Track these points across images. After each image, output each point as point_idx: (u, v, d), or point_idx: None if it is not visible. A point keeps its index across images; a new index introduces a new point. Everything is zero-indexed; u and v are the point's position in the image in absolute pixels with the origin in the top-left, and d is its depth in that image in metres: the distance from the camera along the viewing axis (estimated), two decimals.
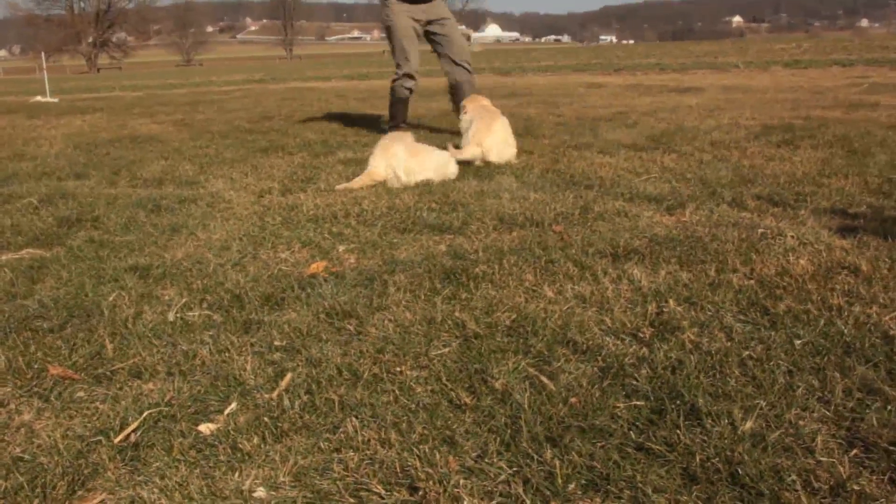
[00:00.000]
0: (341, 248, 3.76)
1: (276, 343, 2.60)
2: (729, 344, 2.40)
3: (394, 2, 7.41)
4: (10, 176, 6.49)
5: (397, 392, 2.20)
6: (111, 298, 3.12)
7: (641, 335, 2.51)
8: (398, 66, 7.49)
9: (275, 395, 2.22)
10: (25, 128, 11.42)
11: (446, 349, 2.48)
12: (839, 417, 1.96)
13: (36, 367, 2.51)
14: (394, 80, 7.59)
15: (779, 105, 9.69)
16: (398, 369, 2.35)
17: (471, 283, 3.10)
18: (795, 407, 2.00)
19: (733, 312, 2.67)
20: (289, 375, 2.33)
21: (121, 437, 2.05)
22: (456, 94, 7.65)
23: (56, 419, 2.19)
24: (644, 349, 2.40)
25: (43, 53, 28.96)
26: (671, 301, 2.78)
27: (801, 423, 1.93)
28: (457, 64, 7.54)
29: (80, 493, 1.85)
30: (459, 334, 2.61)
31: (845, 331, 2.44)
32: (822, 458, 1.79)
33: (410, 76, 7.55)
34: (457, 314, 2.78)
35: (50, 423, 2.17)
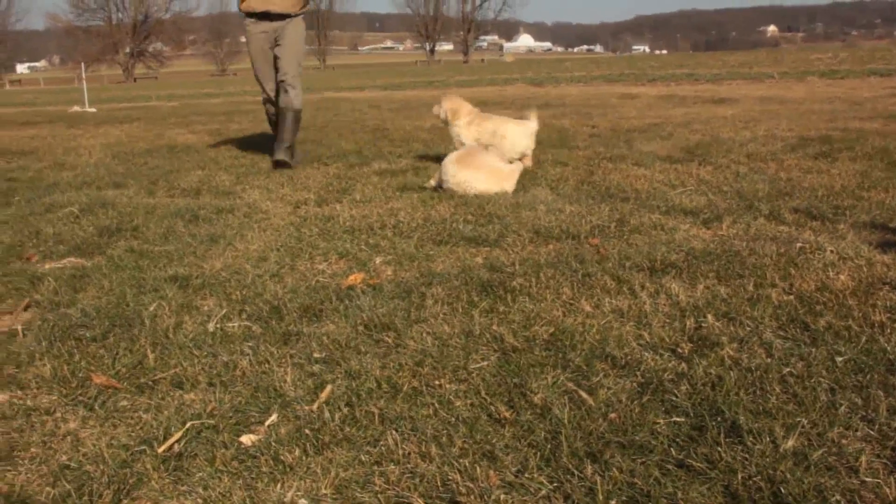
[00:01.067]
0: (378, 260, 3.78)
1: (316, 355, 2.63)
2: (769, 360, 2.38)
3: (248, 22, 7.20)
4: (52, 185, 6.61)
5: (437, 405, 2.21)
6: (152, 308, 3.17)
7: (680, 350, 2.51)
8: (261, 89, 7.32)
9: (315, 407, 2.24)
10: (65, 137, 11.61)
11: (485, 363, 2.49)
12: (883, 437, 1.94)
13: (80, 375, 2.55)
14: (262, 102, 7.54)
15: (815, 116, 9.61)
16: (437, 382, 2.36)
17: (508, 297, 3.11)
18: (838, 425, 1.98)
19: (773, 328, 2.65)
20: (329, 387, 2.35)
21: (164, 447, 2.08)
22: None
23: (101, 428, 2.23)
24: (683, 365, 2.39)
25: (82, 65, 29.27)
26: (710, 316, 2.77)
27: (844, 441, 1.92)
28: (280, 83, 7.20)
29: (125, 501, 1.88)
30: (498, 348, 2.61)
31: (888, 348, 2.42)
32: (866, 479, 1.77)
33: (269, 100, 7.37)
34: (495, 327, 2.78)
35: (95, 431, 2.21)
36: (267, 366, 2.55)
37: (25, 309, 3.34)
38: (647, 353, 2.49)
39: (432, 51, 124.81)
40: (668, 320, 2.79)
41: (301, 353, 2.65)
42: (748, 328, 2.65)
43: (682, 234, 4.02)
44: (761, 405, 2.10)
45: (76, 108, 20.75)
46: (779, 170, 5.73)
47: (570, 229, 4.17)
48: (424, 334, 2.75)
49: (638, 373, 2.35)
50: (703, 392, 2.19)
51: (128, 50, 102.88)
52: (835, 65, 24.76)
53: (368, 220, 4.61)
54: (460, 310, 3.00)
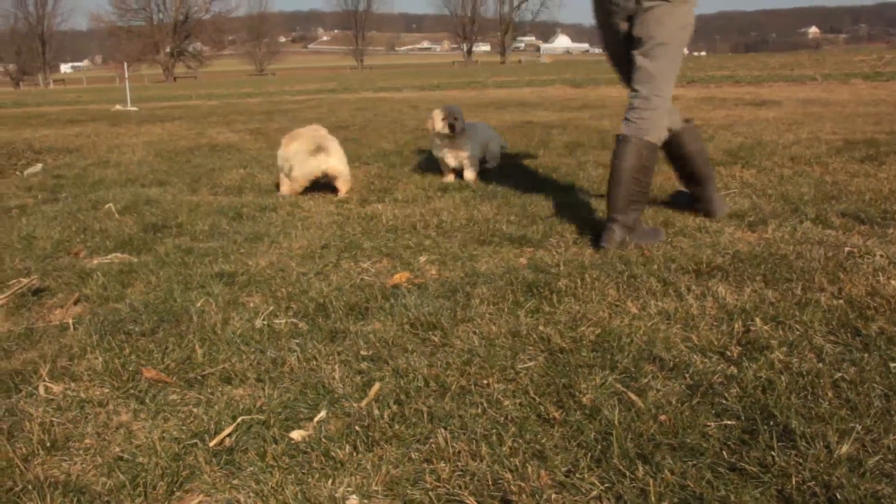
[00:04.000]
0: (422, 259, 3.79)
1: (363, 352, 2.64)
2: (820, 365, 2.36)
3: None
4: (97, 182, 6.71)
5: (485, 405, 2.21)
6: (199, 304, 3.21)
7: (729, 354, 2.49)
8: None
9: (364, 404, 2.26)
10: (109, 135, 11.78)
11: (532, 363, 2.49)
12: None
13: (131, 369, 2.59)
14: None
15: (860, 119, 9.48)
16: (485, 382, 2.36)
17: (554, 297, 3.11)
18: (894, 432, 1.96)
19: (823, 333, 2.62)
20: (377, 385, 2.36)
21: (216, 440, 2.11)
22: None
23: (152, 421, 2.26)
24: (732, 368, 2.37)
25: (125, 65, 29.68)
26: (758, 319, 2.74)
27: None
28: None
29: (178, 493, 1.90)
30: (545, 348, 2.61)
31: None
32: None
33: None
34: (541, 328, 2.78)
35: (147, 424, 2.24)
36: (315, 363, 2.57)
37: (75, 303, 3.40)
38: (695, 356, 2.48)
39: (469, 52, 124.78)
40: (715, 323, 2.77)
41: (348, 350, 2.67)
42: (797, 332, 2.63)
43: (727, 236, 3.99)
44: (814, 410, 2.08)
45: (118, 107, 21.02)
46: (824, 173, 5.65)
47: None
48: (471, 334, 2.76)
49: (687, 375, 2.34)
50: (753, 395, 2.17)
51: (168, 50, 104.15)
52: (879, 67, 24.39)
53: (411, 219, 4.63)
54: (506, 310, 3.01)
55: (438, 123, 5.71)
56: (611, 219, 3.91)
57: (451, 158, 5.86)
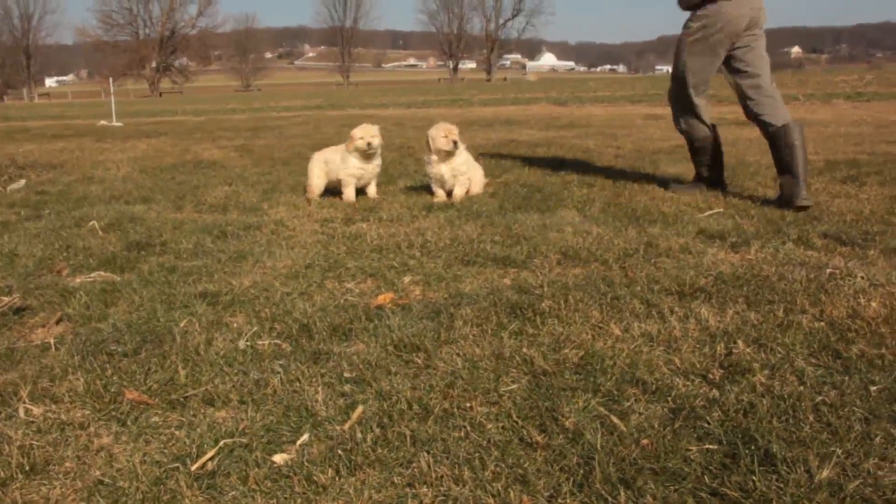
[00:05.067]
0: (407, 280, 3.80)
1: (346, 374, 2.64)
2: (801, 388, 2.37)
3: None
4: (81, 199, 6.69)
5: (468, 428, 2.21)
6: (182, 324, 3.20)
7: (711, 377, 2.50)
8: None
9: (347, 427, 2.25)
10: (93, 151, 11.75)
11: (515, 385, 2.49)
12: None
13: (112, 390, 2.58)
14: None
15: (842, 139, 9.57)
16: (468, 405, 2.37)
17: (537, 319, 3.11)
18: (874, 456, 1.97)
19: (804, 355, 2.64)
20: (360, 408, 2.36)
21: (198, 464, 2.10)
22: None
23: (134, 444, 2.25)
24: (714, 391, 2.38)
25: (111, 80, 29.65)
26: (740, 342, 2.76)
27: (880, 473, 1.90)
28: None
29: None
30: (528, 370, 2.62)
31: None
32: None
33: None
34: (524, 350, 2.79)
35: (128, 447, 2.23)
36: (298, 384, 2.57)
37: (57, 322, 3.38)
38: (677, 379, 2.49)
39: (455, 69, 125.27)
40: (698, 345, 2.78)
41: (331, 372, 2.67)
42: (779, 355, 2.65)
43: (710, 257, 4.01)
44: (795, 434, 2.09)
45: (103, 122, 21.00)
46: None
47: (597, 252, 4.17)
48: (454, 356, 2.76)
49: (669, 398, 2.35)
50: (735, 419, 2.18)
51: (154, 65, 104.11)
52: (861, 87, 24.62)
53: (396, 239, 4.63)
54: (489, 331, 3.01)
55: (440, 140, 5.76)
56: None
57: (448, 176, 5.89)
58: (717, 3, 5.48)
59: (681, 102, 6.00)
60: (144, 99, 68.97)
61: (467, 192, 6.02)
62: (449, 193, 5.98)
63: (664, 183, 6.32)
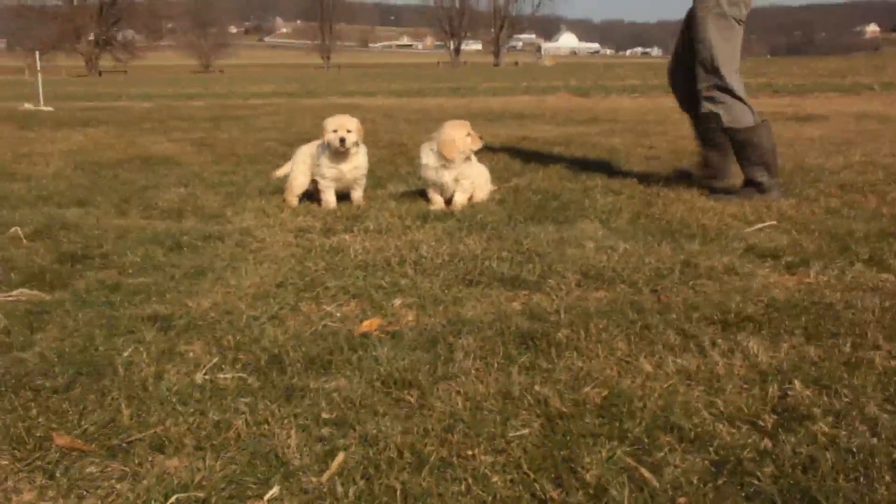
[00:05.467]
0: (397, 303, 3.82)
1: (325, 415, 2.66)
2: (874, 440, 2.39)
3: None
4: (1, 199, 6.69)
5: (470, 481, 2.23)
6: (126, 354, 3.21)
7: (762, 424, 2.52)
8: None
9: (325, 478, 2.27)
10: (15, 141, 11.80)
11: (526, 430, 2.51)
12: None
13: (38, 435, 2.58)
14: None
15: None
16: (470, 453, 2.38)
17: (552, 351, 3.13)
18: None
19: (877, 400, 2.66)
20: (341, 455, 2.37)
21: None
22: None
23: (63, 500, 2.26)
24: (766, 441, 2.40)
25: (37, 53, 29.68)
26: (797, 382, 2.78)
27: None
28: None
29: None
30: (541, 413, 2.64)
31: None
32: None
33: None
34: (537, 388, 2.81)
35: None
36: (266, 427, 2.58)
37: None
38: (720, 425, 2.51)
39: (457, 50, 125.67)
40: (745, 386, 2.80)
41: (307, 412, 2.68)
42: (846, 399, 2.66)
43: (760, 280, 4.04)
44: (866, 496, 2.11)
45: (28, 106, 21.05)
46: (880, 204, 5.73)
47: (624, 272, 4.19)
48: (454, 394, 2.78)
49: (711, 449, 2.37)
50: (792, 476, 2.20)
51: (92, 37, 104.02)
52: None
53: (385, 253, 4.66)
54: (496, 365, 3.03)
55: (462, 141, 5.87)
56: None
57: (449, 180, 5.95)
58: None
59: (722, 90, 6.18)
60: (80, 79, 69.14)
61: (470, 198, 6.06)
62: (448, 200, 6.02)
63: (713, 190, 6.36)
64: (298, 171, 6.26)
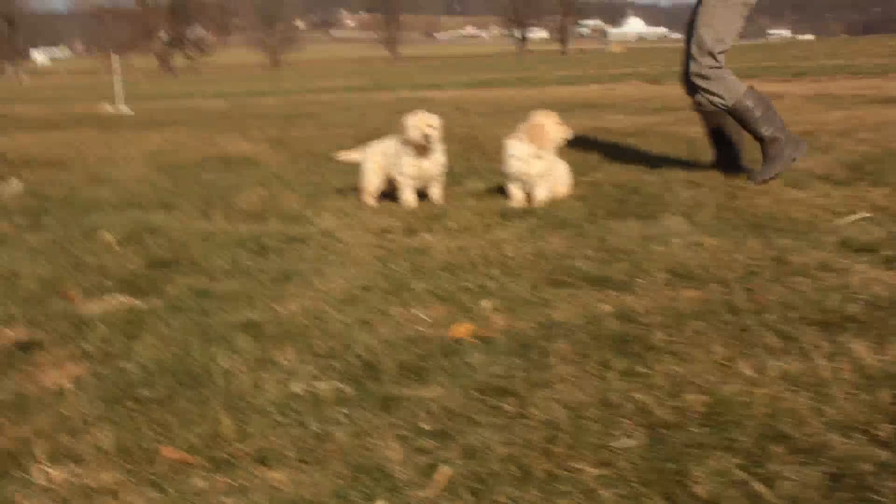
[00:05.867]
0: (487, 306, 3.79)
1: (424, 426, 2.64)
2: None
3: None
4: (90, 204, 6.81)
5: (580, 496, 2.20)
6: (223, 363, 3.22)
7: (877, 433, 2.44)
8: None
9: (431, 493, 2.25)
10: (98, 144, 11.99)
11: (631, 441, 2.47)
12: None
13: (146, 447, 2.60)
14: None
15: None
16: (576, 465, 2.35)
17: (648, 355, 3.09)
18: None
19: None
20: (447, 469, 2.35)
21: None
22: None
23: None
24: (884, 452, 2.32)
25: (115, 56, 30.18)
26: None
27: None
28: None
29: None
30: (644, 422, 2.59)
31: None
32: None
33: None
34: (636, 395, 2.76)
35: None
36: (367, 438, 2.58)
37: (74, 361, 3.41)
38: (833, 435, 2.44)
39: (523, 39, 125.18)
40: (854, 391, 2.72)
41: (406, 422, 2.67)
42: None
43: (858, 276, 3.93)
44: None
45: (109, 108, 21.41)
46: None
47: (714, 269, 4.12)
48: (551, 402, 2.75)
49: (825, 460, 2.30)
50: None
51: (164, 36, 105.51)
52: None
53: (468, 253, 4.64)
54: (592, 371, 2.99)
55: (553, 128, 5.94)
56: None
57: (537, 175, 5.97)
58: None
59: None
60: (154, 79, 70.18)
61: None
62: (529, 197, 5.98)
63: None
64: (371, 171, 6.26)
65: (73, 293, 4.32)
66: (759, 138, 6.38)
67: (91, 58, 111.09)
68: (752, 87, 6.44)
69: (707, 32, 6.32)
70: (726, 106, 6.36)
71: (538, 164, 5.90)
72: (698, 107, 6.64)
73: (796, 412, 2.59)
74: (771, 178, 6.24)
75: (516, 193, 6.01)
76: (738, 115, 6.40)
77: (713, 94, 6.36)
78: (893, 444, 2.37)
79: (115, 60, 27.93)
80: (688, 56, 6.55)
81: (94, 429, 2.73)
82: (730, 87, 6.33)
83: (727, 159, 6.83)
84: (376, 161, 6.26)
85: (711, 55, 6.33)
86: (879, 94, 14.27)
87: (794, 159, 6.32)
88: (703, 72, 6.37)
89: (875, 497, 2.12)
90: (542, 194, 5.94)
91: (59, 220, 6.23)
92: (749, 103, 6.30)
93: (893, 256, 4.19)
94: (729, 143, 6.82)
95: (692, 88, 6.54)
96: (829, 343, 3.11)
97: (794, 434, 2.45)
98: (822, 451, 2.35)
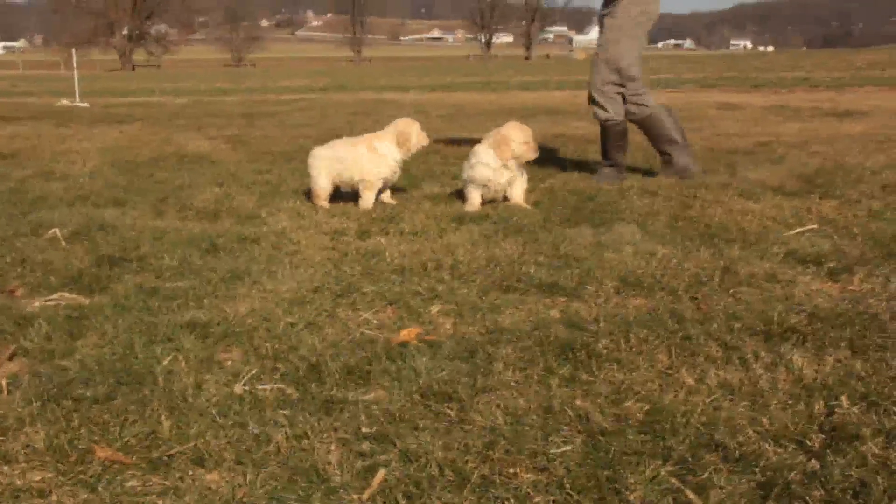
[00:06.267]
0: (435, 310, 3.81)
1: (365, 429, 2.65)
2: None
3: None
4: (39, 199, 6.74)
5: (513, 501, 2.21)
6: (166, 362, 3.21)
7: (809, 443, 2.48)
8: None
9: (366, 496, 2.26)
10: (53, 138, 11.86)
11: (568, 447, 2.49)
12: None
13: (80, 447, 2.58)
14: None
15: None
16: (512, 471, 2.36)
17: (592, 363, 3.11)
18: None
19: None
20: (381, 473, 2.36)
21: None
22: None
23: None
24: (814, 462, 2.36)
25: (73, 50, 29.89)
26: (844, 399, 2.74)
27: None
28: None
29: None
30: (582, 429, 2.61)
31: None
32: None
33: None
34: (578, 402, 2.79)
35: None
36: (306, 441, 2.58)
37: (10, 358, 3.37)
38: (766, 444, 2.47)
39: (488, 44, 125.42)
40: (790, 401, 2.76)
41: (347, 425, 2.68)
42: None
43: (802, 288, 3.99)
44: None
45: (65, 102, 21.23)
46: None
47: (663, 278, 4.16)
48: (494, 407, 2.77)
49: (757, 469, 2.33)
50: (842, 501, 2.16)
51: (126, 32, 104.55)
52: None
53: (420, 257, 4.64)
54: (535, 377, 3.01)
55: (519, 146, 5.89)
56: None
57: (506, 183, 6.01)
58: None
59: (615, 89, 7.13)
60: (114, 74, 69.58)
61: (506, 198, 6.07)
62: (487, 201, 6.02)
63: (748, 186, 6.30)
64: (320, 175, 6.25)
65: (16, 289, 4.28)
66: (661, 151, 7.25)
67: (49, 51, 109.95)
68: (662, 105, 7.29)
69: (620, 55, 7.02)
70: (633, 118, 7.15)
71: (506, 173, 5.92)
72: (630, 116, 7.18)
73: (732, 421, 2.62)
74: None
75: (474, 199, 6.01)
76: (647, 126, 7.19)
77: (604, 110, 7.10)
78: (823, 455, 2.41)
79: (73, 55, 27.71)
80: (598, 75, 7.18)
81: (27, 428, 2.70)
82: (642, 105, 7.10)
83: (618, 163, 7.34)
84: (324, 166, 6.24)
85: (630, 76, 7.03)
86: (835, 107, 14.46)
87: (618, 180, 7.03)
88: (610, 90, 7.08)
89: None
90: (518, 194, 6.08)
91: (6, 214, 6.15)
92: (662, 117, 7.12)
93: (837, 269, 4.25)
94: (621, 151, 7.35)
95: (595, 103, 7.24)
96: (769, 353, 3.15)
97: (728, 443, 2.48)
98: (754, 460, 2.38)
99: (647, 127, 7.20)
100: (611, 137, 7.21)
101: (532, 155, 5.95)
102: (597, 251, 4.69)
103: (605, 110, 7.09)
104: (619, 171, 7.24)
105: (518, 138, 5.86)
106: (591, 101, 7.26)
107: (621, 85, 7.05)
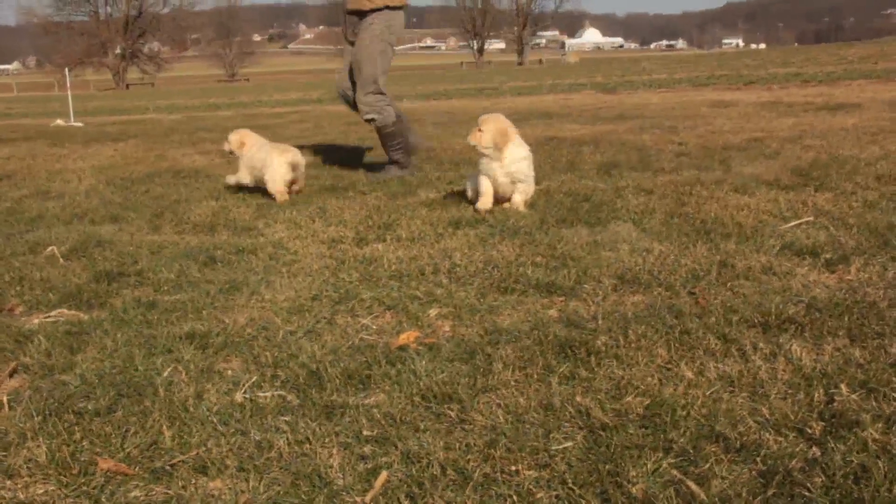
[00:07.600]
0: (433, 313, 3.81)
1: (366, 432, 2.65)
2: None
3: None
4: (36, 218, 6.75)
5: (515, 498, 2.21)
6: (166, 374, 3.22)
7: (809, 431, 2.49)
8: None
9: (369, 498, 2.26)
10: (48, 158, 11.86)
11: (569, 443, 2.49)
12: None
13: (83, 459, 2.59)
14: None
15: None
16: (514, 468, 2.37)
17: (591, 359, 3.11)
18: None
19: None
20: (384, 474, 2.37)
21: None
22: None
23: None
24: (815, 449, 2.37)
25: (67, 70, 29.96)
26: (843, 387, 2.74)
27: None
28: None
29: None
30: (583, 424, 2.62)
31: None
32: None
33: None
34: (578, 398, 2.79)
35: None
36: (308, 446, 2.58)
37: (11, 375, 3.38)
38: (767, 434, 2.48)
39: (481, 50, 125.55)
40: (790, 391, 2.77)
41: (348, 430, 2.68)
42: None
43: (799, 279, 3.99)
44: None
45: (59, 122, 21.21)
46: None
47: (660, 274, 4.17)
48: (494, 407, 2.77)
49: (758, 458, 2.34)
50: (843, 487, 2.16)
51: (118, 51, 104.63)
52: None
53: (418, 262, 4.65)
54: (535, 376, 3.01)
55: (473, 134, 6.10)
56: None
57: (500, 176, 6.02)
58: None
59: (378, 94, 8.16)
60: (108, 93, 69.64)
61: (508, 201, 6.08)
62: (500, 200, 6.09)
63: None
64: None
65: (14, 307, 4.29)
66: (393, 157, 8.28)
67: (43, 72, 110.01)
68: (400, 116, 8.34)
69: (371, 70, 8.07)
70: (383, 124, 8.13)
71: (494, 164, 5.96)
72: (372, 122, 8.21)
73: (733, 412, 2.63)
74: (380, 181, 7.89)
75: (483, 197, 6.02)
76: (386, 136, 8.21)
77: (376, 115, 8.08)
78: (824, 442, 2.41)
79: (67, 75, 27.74)
80: (355, 88, 8.28)
81: (29, 442, 2.71)
82: (386, 117, 8.12)
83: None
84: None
85: (377, 89, 8.08)
86: (828, 101, 14.47)
87: (401, 175, 8.08)
88: (369, 100, 8.07)
89: (803, 493, 2.16)
90: (518, 200, 6.06)
91: (3, 234, 6.17)
92: (393, 129, 8.18)
93: (833, 259, 4.26)
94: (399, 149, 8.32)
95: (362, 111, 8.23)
96: (767, 345, 3.15)
97: (729, 434, 2.48)
98: (755, 449, 2.39)
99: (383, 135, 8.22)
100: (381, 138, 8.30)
101: (474, 140, 6.12)
102: (593, 250, 4.70)
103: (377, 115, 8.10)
104: (402, 166, 8.26)
105: (511, 131, 6.10)
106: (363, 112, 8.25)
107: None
